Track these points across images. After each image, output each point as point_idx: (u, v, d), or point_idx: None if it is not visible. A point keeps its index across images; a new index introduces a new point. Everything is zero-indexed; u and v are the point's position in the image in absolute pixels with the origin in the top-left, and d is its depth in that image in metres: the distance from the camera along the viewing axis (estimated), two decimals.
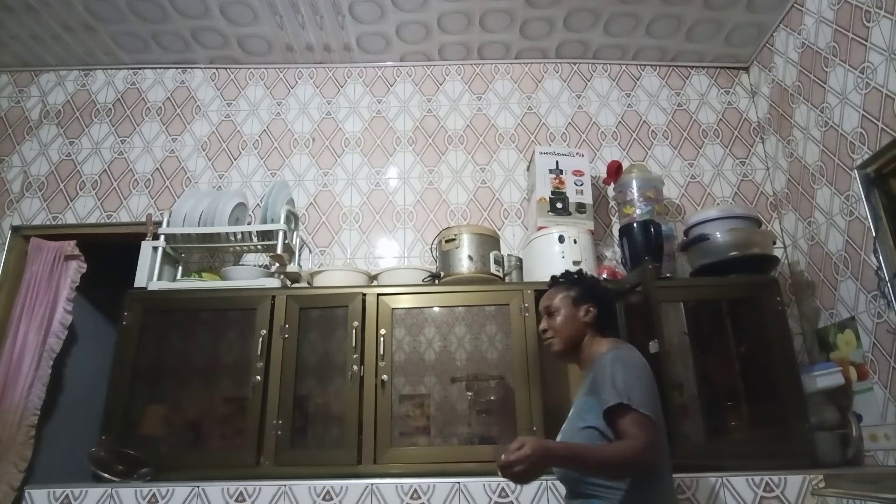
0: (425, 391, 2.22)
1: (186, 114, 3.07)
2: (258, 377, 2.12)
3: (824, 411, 2.20)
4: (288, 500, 1.87)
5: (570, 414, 1.57)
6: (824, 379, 2.18)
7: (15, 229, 2.83)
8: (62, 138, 3.01)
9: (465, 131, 3.03)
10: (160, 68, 3.16)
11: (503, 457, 1.23)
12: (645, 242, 2.34)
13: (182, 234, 2.51)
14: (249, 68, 3.16)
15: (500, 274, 2.34)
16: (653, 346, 1.95)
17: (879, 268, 2.08)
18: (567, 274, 1.75)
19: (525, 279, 2.48)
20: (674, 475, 1.82)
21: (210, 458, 2.11)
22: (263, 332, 2.19)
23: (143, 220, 2.73)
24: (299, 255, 2.77)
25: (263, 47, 3.03)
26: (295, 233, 2.74)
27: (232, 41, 2.98)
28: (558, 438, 1.53)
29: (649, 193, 2.49)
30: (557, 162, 2.61)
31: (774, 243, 2.44)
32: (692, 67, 3.15)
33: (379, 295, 2.25)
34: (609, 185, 2.74)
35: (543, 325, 1.67)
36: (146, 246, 2.47)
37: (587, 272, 1.82)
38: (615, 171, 2.62)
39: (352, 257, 2.79)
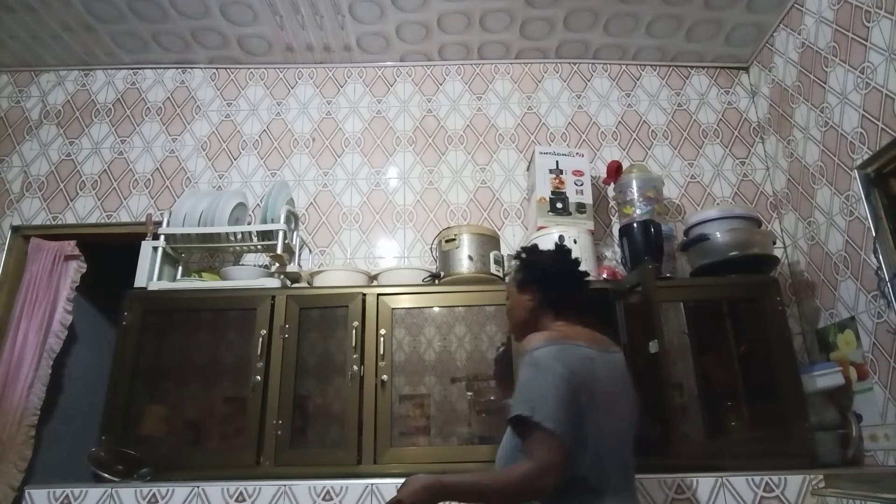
0: (425, 391, 2.22)
1: (186, 114, 3.07)
2: (258, 377, 2.12)
3: (824, 411, 2.20)
4: (288, 500, 1.87)
5: None
6: (824, 379, 2.18)
7: (15, 229, 2.83)
8: (62, 138, 3.02)
9: (465, 131, 3.03)
10: (160, 68, 3.16)
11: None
12: (645, 242, 2.34)
13: (182, 234, 2.50)
14: (249, 68, 3.16)
15: (500, 274, 2.34)
16: (653, 346, 1.95)
17: (879, 268, 2.08)
18: (517, 253, 1.61)
19: None
20: (674, 475, 1.84)
21: (210, 458, 2.11)
22: (263, 332, 2.18)
23: (143, 220, 2.73)
24: (299, 255, 2.77)
25: (263, 47, 3.03)
26: (295, 233, 2.74)
27: (232, 41, 2.98)
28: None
29: (649, 193, 2.49)
30: (557, 162, 2.61)
31: (774, 243, 2.44)
32: (692, 67, 3.15)
33: (379, 295, 2.25)
34: (609, 185, 2.74)
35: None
36: (146, 246, 2.47)
37: (544, 247, 1.64)
38: (615, 171, 2.62)
39: (352, 257, 2.79)
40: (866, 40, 2.18)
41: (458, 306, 2.29)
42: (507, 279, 1.56)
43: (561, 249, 1.59)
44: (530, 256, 1.58)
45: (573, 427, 1.24)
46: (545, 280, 1.50)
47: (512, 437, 1.33)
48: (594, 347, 1.39)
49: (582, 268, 1.56)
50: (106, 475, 1.98)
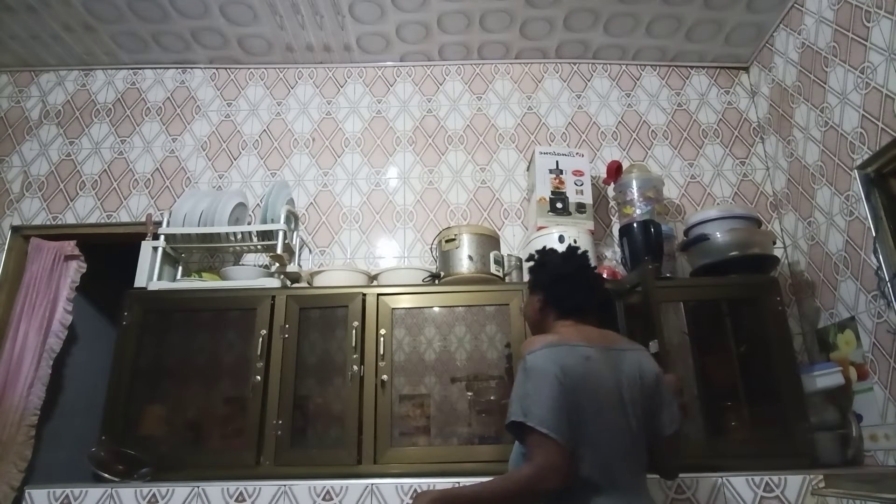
0: (425, 391, 2.22)
1: (186, 114, 3.07)
2: (258, 377, 2.12)
3: (824, 411, 2.20)
4: (288, 500, 1.87)
5: None
6: (824, 379, 2.18)
7: (15, 229, 2.83)
8: (62, 138, 3.02)
9: (465, 131, 3.03)
10: (160, 68, 3.16)
11: None
12: (645, 242, 2.34)
13: (182, 234, 2.50)
14: (249, 68, 3.16)
15: (500, 274, 2.34)
16: (653, 347, 1.95)
17: (879, 268, 2.08)
18: (530, 256, 1.63)
19: (525, 279, 2.48)
20: None
21: (210, 458, 2.11)
22: (263, 332, 2.18)
23: (143, 220, 2.73)
24: (299, 255, 2.77)
25: (263, 47, 3.03)
26: (295, 233, 2.74)
27: (232, 41, 2.98)
28: None
29: (649, 193, 2.49)
30: (557, 162, 2.61)
31: (774, 243, 2.44)
32: (692, 67, 3.15)
33: (379, 295, 2.25)
34: (609, 185, 2.74)
35: None
36: (146, 246, 2.47)
37: (550, 248, 1.65)
38: (615, 171, 2.62)
39: (352, 257, 2.79)
40: (866, 40, 2.18)
41: (458, 306, 2.29)
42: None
43: (571, 251, 1.58)
44: (540, 259, 1.59)
45: (571, 428, 1.23)
46: (550, 282, 1.51)
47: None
48: (595, 346, 1.37)
49: (594, 268, 1.56)
50: (106, 475, 1.99)
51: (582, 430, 1.25)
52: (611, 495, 1.26)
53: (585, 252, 1.59)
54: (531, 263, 1.61)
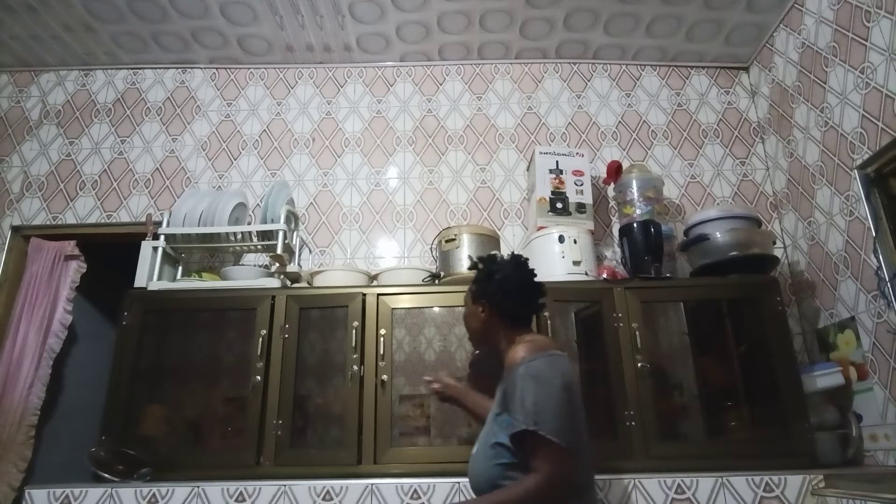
0: (425, 391, 2.21)
1: (186, 114, 3.07)
2: (258, 377, 2.12)
3: (824, 411, 2.20)
4: (288, 500, 1.87)
5: (487, 420, 1.49)
6: (824, 379, 2.18)
7: (15, 229, 2.83)
8: (62, 138, 3.01)
9: (465, 131, 3.03)
10: (160, 68, 3.16)
11: None
12: (645, 242, 2.34)
13: (182, 234, 2.50)
14: (249, 68, 3.16)
15: None
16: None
17: (879, 268, 2.08)
18: (474, 264, 1.63)
19: None
20: (674, 475, 1.85)
21: (210, 458, 2.11)
22: (263, 332, 2.18)
23: (143, 220, 2.73)
24: (299, 255, 2.77)
25: (263, 47, 3.03)
26: (295, 233, 2.74)
27: (232, 41, 2.98)
28: (475, 448, 1.46)
29: (649, 193, 2.49)
30: (557, 162, 2.61)
31: (774, 243, 2.44)
32: (692, 67, 3.15)
33: (379, 295, 2.25)
34: (609, 185, 2.74)
35: None
36: (146, 246, 2.47)
37: (500, 255, 1.64)
38: (615, 171, 2.62)
39: (352, 257, 2.79)
40: (866, 40, 2.18)
41: (458, 306, 2.27)
42: (468, 290, 1.62)
43: (516, 261, 1.57)
44: (485, 268, 1.58)
45: (573, 436, 1.29)
46: (495, 295, 1.51)
47: (491, 450, 1.35)
48: (565, 354, 1.45)
49: (536, 279, 1.57)
50: (106, 475, 1.98)
51: (579, 438, 1.33)
52: (585, 496, 1.37)
53: (526, 261, 1.59)
54: (476, 272, 1.60)
